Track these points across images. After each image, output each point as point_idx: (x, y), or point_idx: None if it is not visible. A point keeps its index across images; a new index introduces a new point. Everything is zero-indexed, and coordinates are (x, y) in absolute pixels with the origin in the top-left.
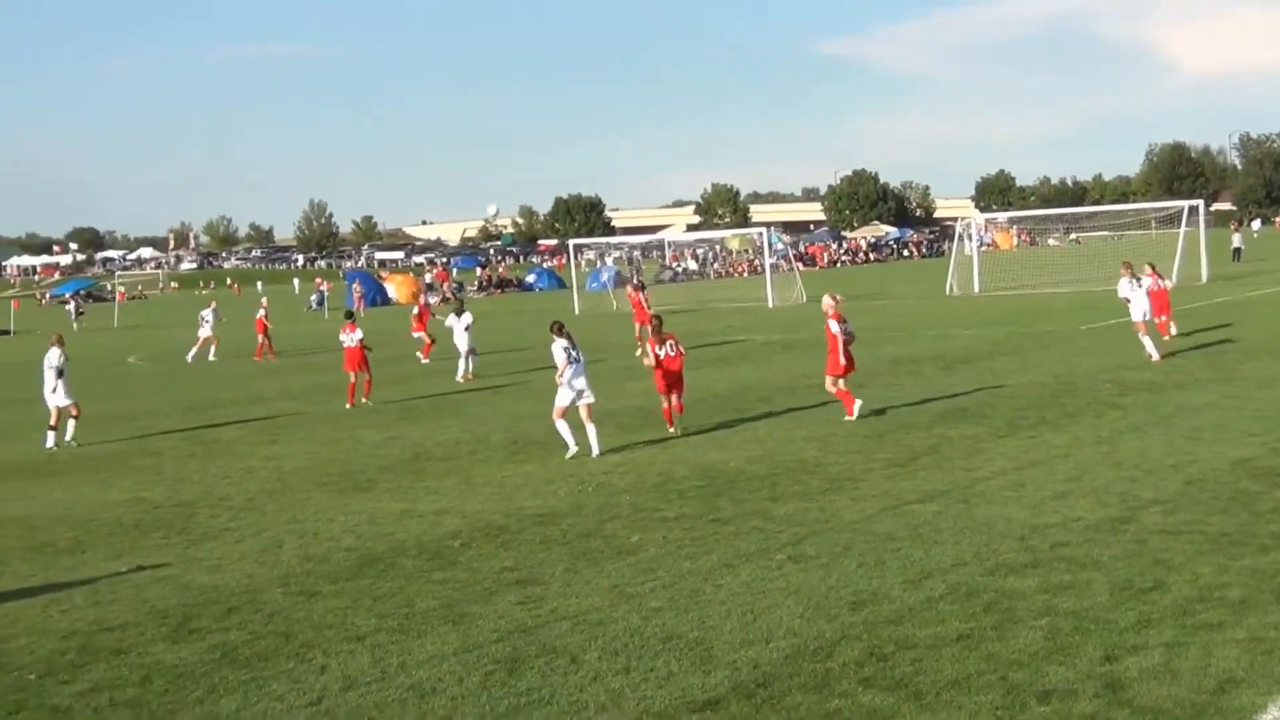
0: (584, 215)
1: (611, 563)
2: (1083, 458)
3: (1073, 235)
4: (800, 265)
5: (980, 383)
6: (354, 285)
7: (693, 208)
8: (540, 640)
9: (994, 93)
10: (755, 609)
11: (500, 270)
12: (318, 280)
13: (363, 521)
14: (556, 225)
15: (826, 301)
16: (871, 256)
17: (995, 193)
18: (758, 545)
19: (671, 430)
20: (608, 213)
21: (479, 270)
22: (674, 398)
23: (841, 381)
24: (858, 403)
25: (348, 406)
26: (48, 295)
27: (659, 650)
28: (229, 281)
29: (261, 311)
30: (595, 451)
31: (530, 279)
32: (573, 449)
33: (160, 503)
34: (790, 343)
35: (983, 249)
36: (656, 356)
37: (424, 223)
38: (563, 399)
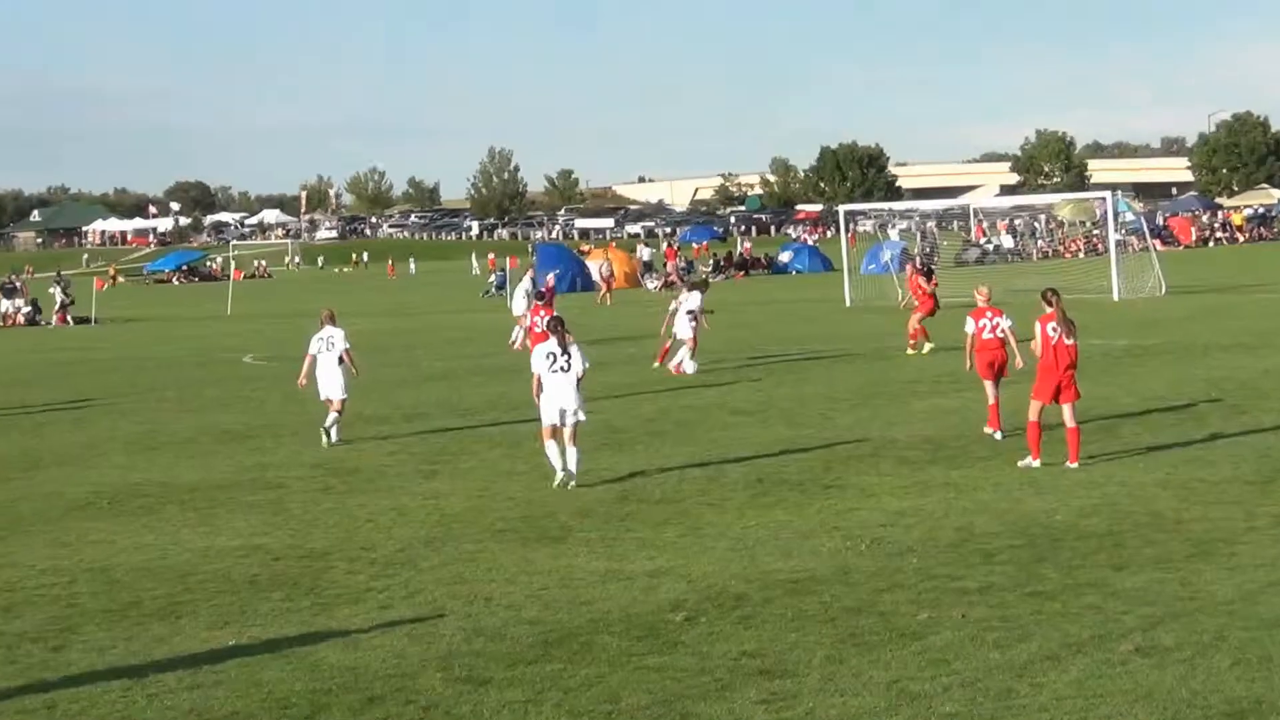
0: (860, 172)
1: (890, 650)
2: None
3: None
4: (1159, 244)
5: None
6: (546, 278)
7: (1009, 164)
8: None
9: None
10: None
11: (744, 246)
12: (491, 258)
13: (552, 584)
14: (822, 185)
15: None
16: (1260, 233)
17: None
18: (1094, 630)
19: (991, 433)
20: (892, 169)
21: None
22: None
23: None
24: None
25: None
26: (143, 270)
27: None
28: (386, 261)
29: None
30: (572, 470)
31: (785, 257)
32: (559, 476)
33: (282, 553)
34: (1144, 350)
35: None
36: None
37: (641, 180)
38: (546, 417)
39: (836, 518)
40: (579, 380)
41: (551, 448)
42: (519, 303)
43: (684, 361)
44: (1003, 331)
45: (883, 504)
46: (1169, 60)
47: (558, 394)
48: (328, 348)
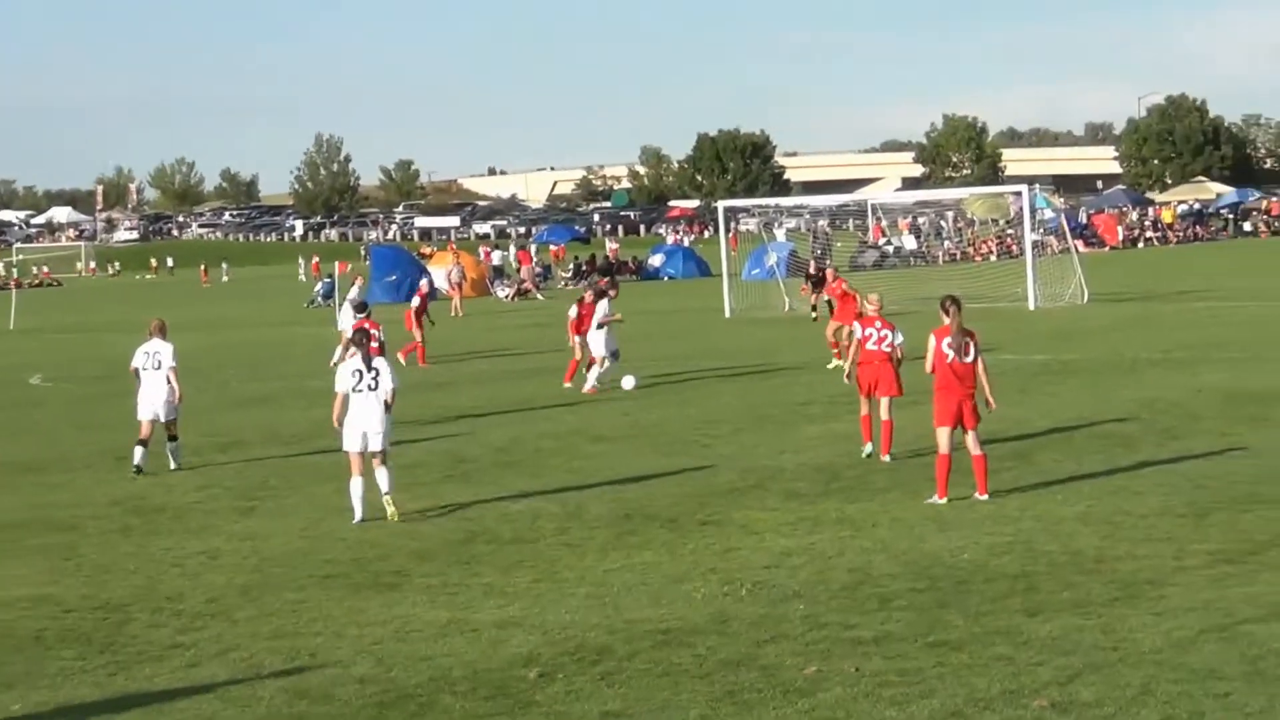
0: (742, 164)
1: (773, 708)
2: None
3: None
4: (1081, 245)
5: None
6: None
7: (913, 154)
8: None
9: None
10: None
11: (611, 248)
12: (319, 263)
13: (386, 637)
14: (699, 178)
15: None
16: (1195, 232)
17: None
18: (1004, 684)
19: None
20: (779, 160)
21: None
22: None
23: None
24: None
25: None
26: None
27: None
28: (198, 266)
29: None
30: (390, 511)
31: (656, 261)
32: (358, 516)
33: (74, 604)
34: (1064, 366)
35: None
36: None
37: (492, 172)
38: (349, 442)
39: (714, 559)
40: (388, 402)
41: (356, 485)
42: (345, 315)
43: (591, 379)
44: (889, 346)
45: (767, 543)
46: (1094, 35)
47: (363, 415)
48: (154, 364)
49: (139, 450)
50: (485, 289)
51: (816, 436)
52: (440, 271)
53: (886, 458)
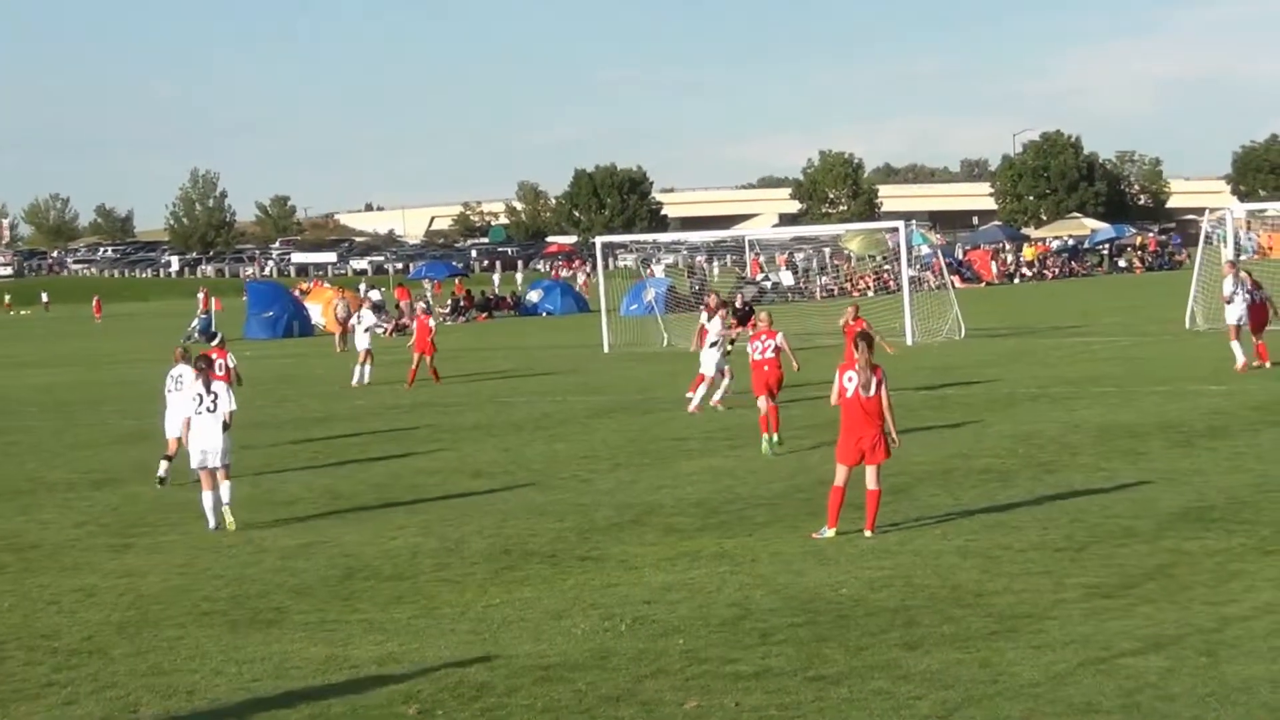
0: (620, 199)
1: None
2: None
3: None
4: (958, 280)
5: (1236, 468)
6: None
7: (790, 190)
8: None
9: (1265, 13)
10: None
11: (497, 283)
12: (203, 294)
13: (265, 675)
14: (577, 214)
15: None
16: (1071, 268)
17: (1264, 171)
18: (883, 719)
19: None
20: (657, 196)
21: (428, 287)
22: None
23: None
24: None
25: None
26: None
27: None
28: (75, 303)
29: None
30: (228, 521)
31: (534, 296)
32: (211, 523)
33: None
34: (942, 401)
35: (1245, 258)
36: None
37: (369, 208)
38: (194, 459)
39: (593, 594)
40: (225, 423)
41: (206, 497)
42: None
43: (707, 397)
44: (773, 351)
45: (646, 578)
46: (970, 73)
47: (203, 435)
48: (177, 386)
49: (164, 464)
50: None
51: (695, 471)
52: (316, 307)
53: (775, 436)
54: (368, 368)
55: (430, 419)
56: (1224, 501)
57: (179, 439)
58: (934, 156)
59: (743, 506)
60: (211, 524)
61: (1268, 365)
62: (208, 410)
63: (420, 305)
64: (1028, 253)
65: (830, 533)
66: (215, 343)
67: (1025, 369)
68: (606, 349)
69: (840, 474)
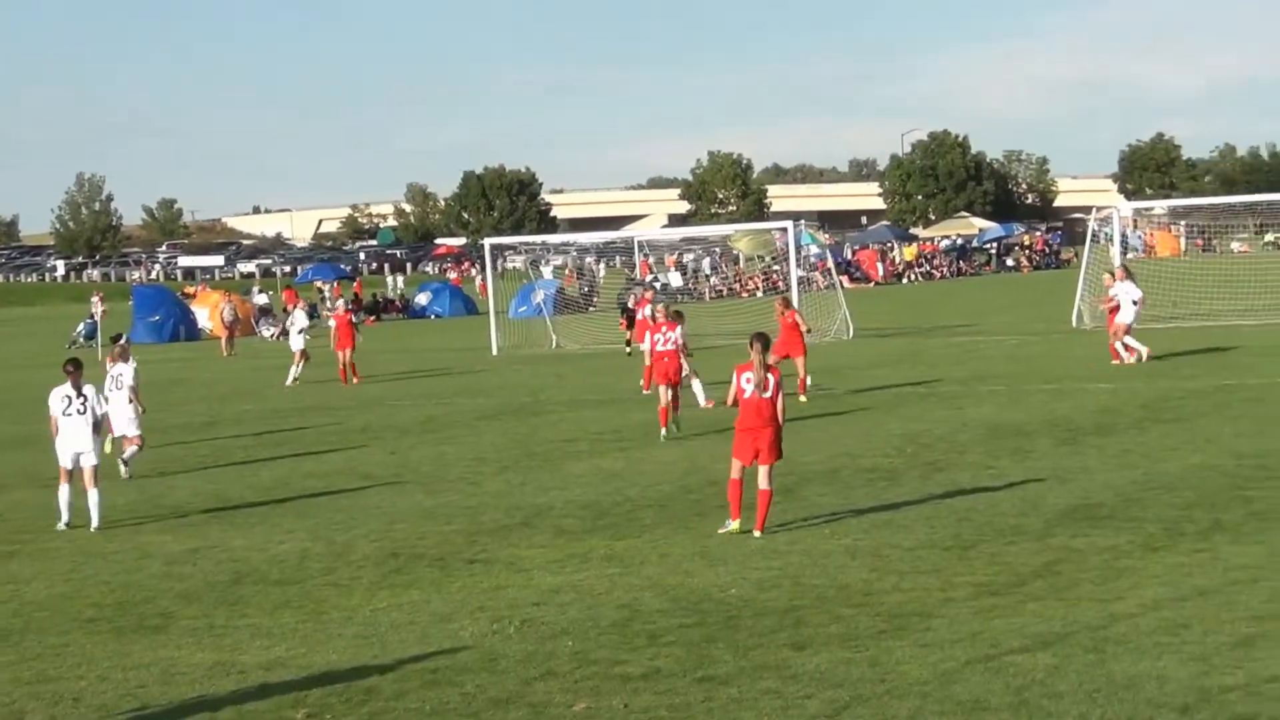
0: (509, 201)
1: None
2: None
3: (1270, 236)
4: (846, 280)
5: (1123, 465)
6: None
7: (679, 191)
8: None
9: (1150, 14)
10: None
11: (396, 286)
12: (98, 298)
13: (151, 681)
14: (465, 216)
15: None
16: (959, 267)
17: (1149, 170)
18: (772, 718)
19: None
20: (546, 197)
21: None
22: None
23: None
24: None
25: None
26: None
27: None
28: None
29: None
30: (94, 523)
31: (422, 299)
32: (63, 521)
33: None
34: (830, 400)
35: (1131, 256)
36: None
37: (256, 211)
38: (61, 458)
39: (482, 597)
40: (96, 424)
41: (64, 492)
42: (295, 339)
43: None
44: (672, 343)
45: (535, 580)
46: (858, 73)
47: (73, 437)
48: (117, 386)
49: (122, 465)
50: (251, 328)
51: (583, 473)
52: (203, 311)
53: (674, 429)
54: (299, 368)
55: (318, 422)
56: (1111, 499)
57: (124, 435)
58: (823, 157)
59: (631, 508)
60: (64, 520)
61: (1123, 363)
62: (77, 412)
63: (340, 304)
64: (907, 253)
65: (735, 525)
66: (119, 345)
67: (914, 368)
68: (495, 351)
69: (735, 467)
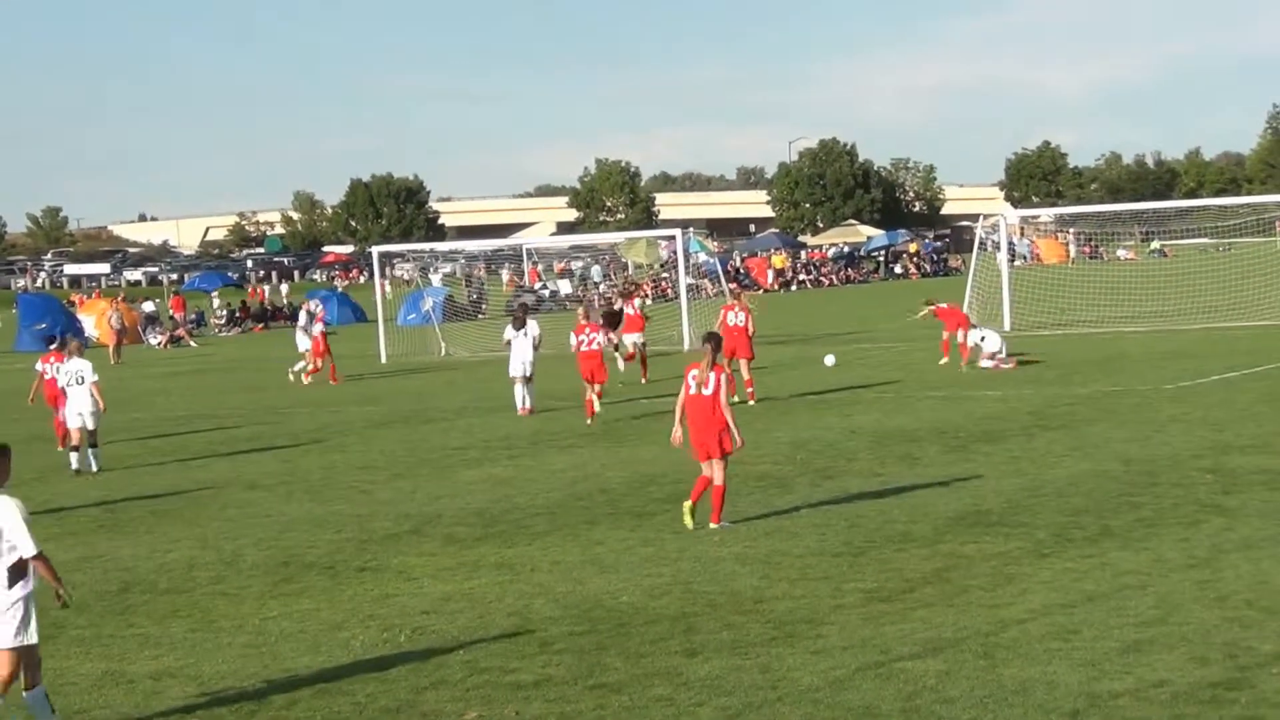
0: (396, 209)
1: None
2: (1168, 589)
3: (1155, 244)
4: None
5: (1012, 471)
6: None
7: (567, 199)
8: None
9: (1035, 23)
10: None
11: (261, 293)
12: None
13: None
14: (353, 224)
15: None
16: (847, 274)
17: (1036, 178)
18: None
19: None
20: (433, 205)
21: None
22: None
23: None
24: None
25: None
26: None
27: None
28: None
29: None
30: (94, 467)
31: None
32: (75, 466)
33: None
34: None
35: (1017, 264)
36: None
37: (143, 218)
38: (71, 422)
39: (372, 605)
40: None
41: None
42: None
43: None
44: (597, 345)
45: (425, 588)
46: (746, 80)
47: (76, 402)
48: (77, 380)
49: (74, 456)
50: (138, 336)
51: (474, 481)
52: (90, 319)
53: (594, 420)
54: (307, 364)
55: (206, 430)
56: (1000, 505)
57: (80, 429)
58: (711, 165)
59: (522, 515)
60: (75, 466)
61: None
62: (77, 383)
63: (318, 327)
64: (777, 261)
65: (686, 505)
66: (55, 346)
67: (802, 375)
68: (384, 359)
69: (703, 466)
